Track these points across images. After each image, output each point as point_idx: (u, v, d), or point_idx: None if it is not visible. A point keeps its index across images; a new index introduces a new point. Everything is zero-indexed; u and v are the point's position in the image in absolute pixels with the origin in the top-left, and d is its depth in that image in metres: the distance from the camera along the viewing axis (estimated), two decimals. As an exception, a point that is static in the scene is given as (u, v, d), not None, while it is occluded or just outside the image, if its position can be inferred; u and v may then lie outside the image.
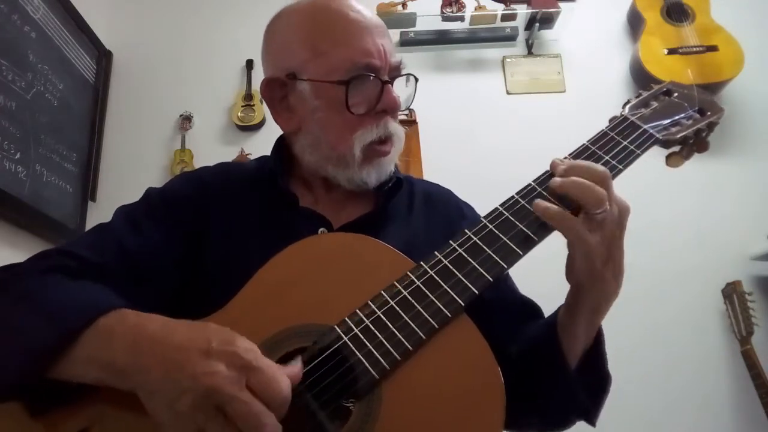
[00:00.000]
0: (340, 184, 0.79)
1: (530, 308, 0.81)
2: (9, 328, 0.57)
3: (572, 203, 0.61)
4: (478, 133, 2.27)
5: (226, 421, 0.47)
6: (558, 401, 0.66)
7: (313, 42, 0.76)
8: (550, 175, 0.65)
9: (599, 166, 0.61)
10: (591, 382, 0.66)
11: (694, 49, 2.18)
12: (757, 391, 1.72)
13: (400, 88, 0.80)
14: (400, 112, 0.81)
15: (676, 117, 0.72)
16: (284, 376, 0.50)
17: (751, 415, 1.82)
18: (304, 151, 0.80)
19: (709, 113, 0.73)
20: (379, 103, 0.75)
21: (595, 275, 0.61)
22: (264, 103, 2.22)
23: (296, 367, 0.53)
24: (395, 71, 0.79)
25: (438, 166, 2.07)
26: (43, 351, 0.53)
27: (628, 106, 0.74)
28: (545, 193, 0.63)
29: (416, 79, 0.84)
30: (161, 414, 0.49)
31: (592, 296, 0.63)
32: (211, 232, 0.76)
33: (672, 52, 2.19)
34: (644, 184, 1.56)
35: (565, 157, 0.67)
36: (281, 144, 0.87)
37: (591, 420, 0.67)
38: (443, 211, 0.86)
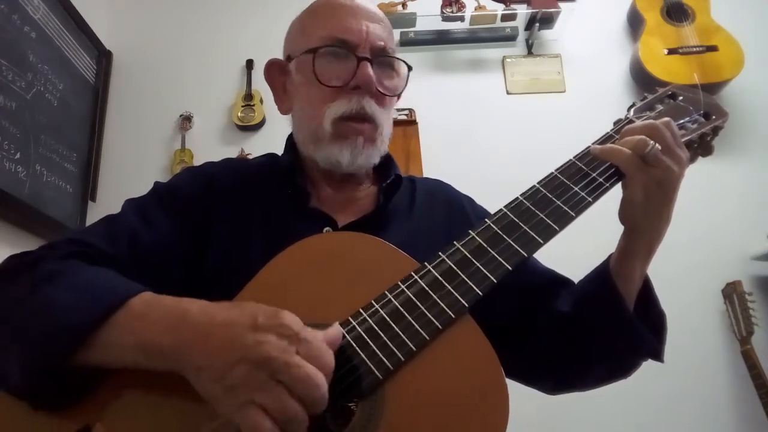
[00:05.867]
0: (320, 166, 0.80)
1: (561, 282, 0.81)
2: (33, 309, 0.56)
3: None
4: (478, 133, 2.27)
5: (281, 388, 0.47)
6: (625, 346, 0.68)
7: (304, 25, 0.83)
8: (554, 176, 0.66)
9: (648, 121, 0.65)
10: (651, 321, 0.69)
11: (694, 49, 2.18)
12: (757, 391, 1.72)
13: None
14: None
15: (681, 121, 0.71)
16: (328, 348, 0.51)
17: (751, 415, 1.83)
18: (297, 136, 0.84)
19: (714, 117, 0.72)
20: (354, 78, 0.76)
21: (659, 211, 0.65)
22: (263, 104, 2.27)
23: (335, 329, 0.54)
24: (379, 53, 0.78)
25: (438, 166, 2.07)
26: (75, 329, 0.52)
27: (633, 109, 0.74)
28: (544, 190, 0.65)
29: (409, 68, 0.84)
30: (210, 389, 0.49)
31: (649, 236, 0.67)
32: (216, 228, 0.76)
33: (672, 52, 2.19)
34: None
35: (570, 159, 0.67)
36: (291, 141, 0.87)
37: (659, 357, 0.69)
38: (445, 207, 0.86)
